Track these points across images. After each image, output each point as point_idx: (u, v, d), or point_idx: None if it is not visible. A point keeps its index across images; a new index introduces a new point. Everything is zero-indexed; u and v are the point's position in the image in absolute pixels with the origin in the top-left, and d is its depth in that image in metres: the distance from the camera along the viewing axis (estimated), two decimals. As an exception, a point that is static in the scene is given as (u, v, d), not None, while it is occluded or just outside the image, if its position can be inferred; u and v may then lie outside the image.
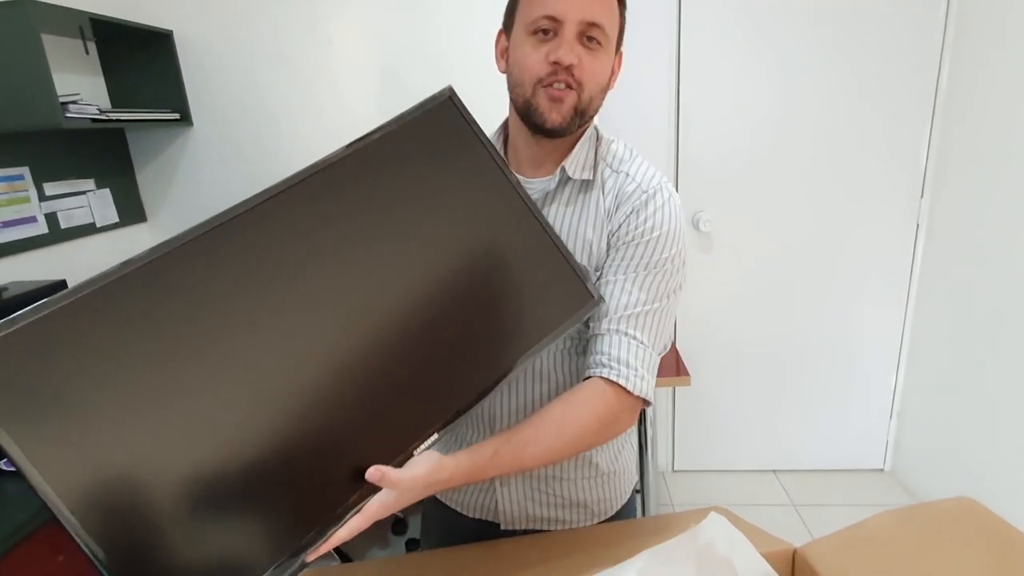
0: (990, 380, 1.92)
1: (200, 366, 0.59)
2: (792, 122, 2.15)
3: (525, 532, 0.90)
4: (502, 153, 0.84)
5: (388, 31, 1.97)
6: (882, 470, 2.48)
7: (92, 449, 0.54)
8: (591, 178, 0.81)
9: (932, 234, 2.18)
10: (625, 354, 0.75)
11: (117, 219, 2.01)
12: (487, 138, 0.78)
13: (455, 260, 0.72)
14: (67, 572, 1.14)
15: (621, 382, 0.74)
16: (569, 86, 0.74)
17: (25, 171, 1.67)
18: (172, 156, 2.11)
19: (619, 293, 0.77)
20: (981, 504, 0.69)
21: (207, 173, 2.11)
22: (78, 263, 1.80)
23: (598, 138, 0.85)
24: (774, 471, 2.52)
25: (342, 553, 1.87)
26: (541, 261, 0.76)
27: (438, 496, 0.97)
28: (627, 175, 0.81)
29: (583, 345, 0.83)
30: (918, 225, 2.21)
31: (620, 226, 0.78)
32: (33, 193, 1.69)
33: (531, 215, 0.77)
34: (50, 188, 1.74)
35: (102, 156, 1.98)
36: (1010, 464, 1.85)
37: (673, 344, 1.99)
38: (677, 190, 0.82)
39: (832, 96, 2.12)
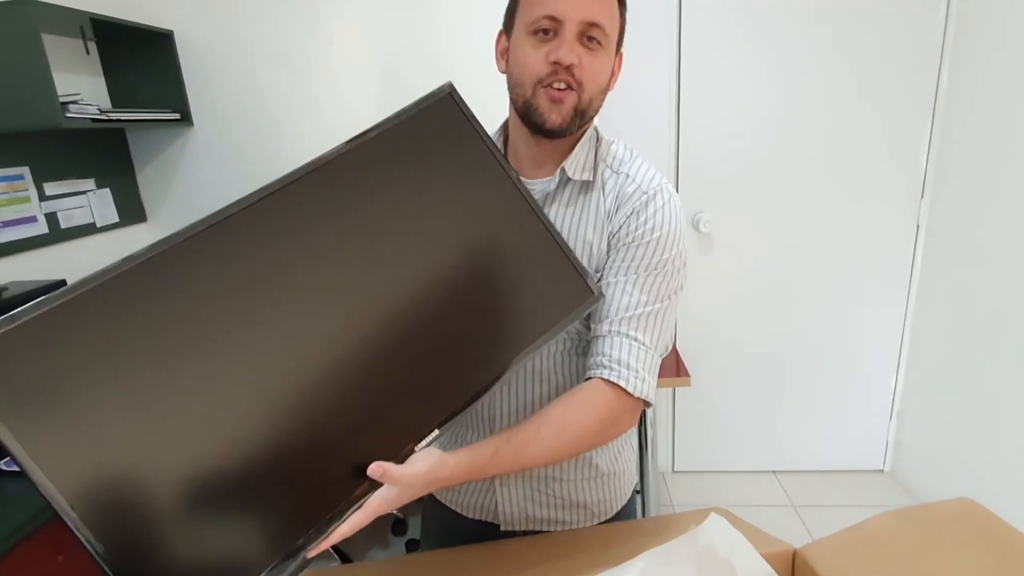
0: (990, 381, 1.92)
1: (200, 363, 0.59)
2: (792, 123, 2.15)
3: (525, 533, 0.90)
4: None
5: (388, 31, 1.98)
6: (882, 471, 2.48)
7: (92, 445, 0.54)
8: (591, 179, 0.81)
9: (932, 235, 2.18)
10: (626, 356, 0.75)
11: (117, 219, 2.01)
12: (487, 134, 0.78)
13: (455, 256, 0.72)
14: (67, 572, 1.14)
15: (622, 384, 0.74)
16: (569, 86, 0.74)
17: (25, 171, 1.67)
18: (172, 156, 2.11)
19: (620, 295, 0.77)
20: (981, 505, 0.69)
21: (207, 173, 2.11)
22: (78, 263, 1.80)
23: (598, 139, 0.85)
24: (774, 472, 2.52)
25: (342, 553, 1.87)
26: (541, 257, 0.76)
27: (438, 497, 0.97)
28: (627, 176, 0.81)
29: (583, 346, 0.83)
30: (918, 226, 2.21)
31: (620, 227, 0.78)
32: (33, 193, 1.69)
33: (531, 211, 0.77)
34: (50, 188, 1.74)
35: (102, 156, 1.98)
36: (1010, 465, 1.85)
37: (673, 345, 1.99)
38: (677, 191, 0.82)
39: (832, 97, 2.12)
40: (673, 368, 1.82)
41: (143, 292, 0.58)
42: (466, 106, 0.76)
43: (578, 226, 0.81)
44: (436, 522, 0.99)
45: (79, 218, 1.85)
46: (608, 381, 0.74)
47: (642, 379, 0.75)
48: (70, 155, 1.83)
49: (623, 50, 0.81)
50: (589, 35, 0.73)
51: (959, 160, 2.03)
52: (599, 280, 0.80)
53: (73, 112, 1.61)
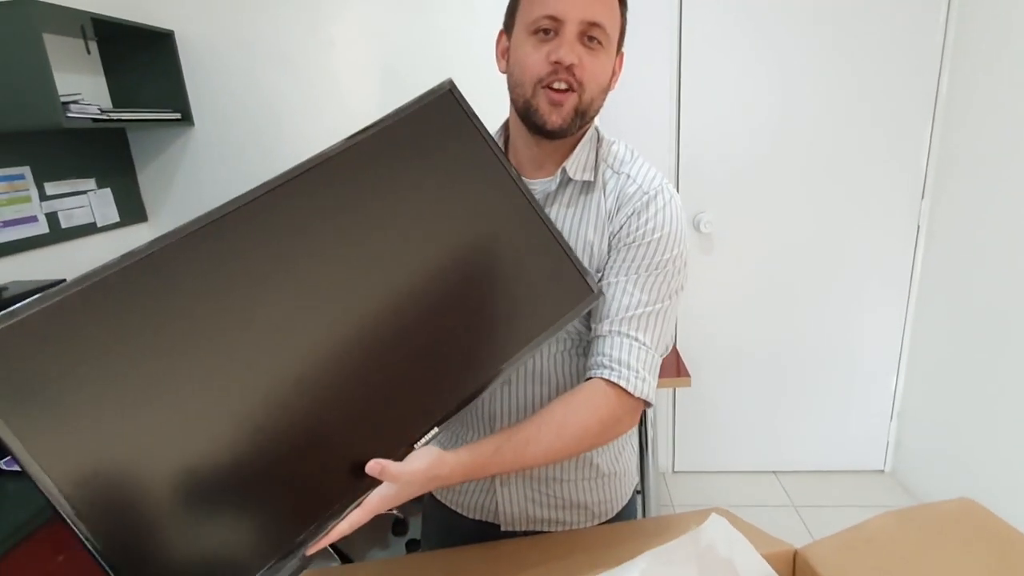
0: (990, 381, 1.92)
1: (198, 359, 0.59)
2: (793, 123, 2.15)
3: (525, 533, 0.90)
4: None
5: (389, 32, 1.98)
6: (882, 471, 2.48)
7: (91, 442, 0.54)
8: (592, 179, 0.81)
9: (933, 236, 2.18)
10: (626, 356, 0.75)
11: (118, 219, 2.01)
12: (487, 131, 0.77)
13: (454, 254, 0.72)
14: (67, 572, 1.14)
15: (622, 384, 0.74)
16: (570, 87, 0.74)
17: (26, 171, 1.67)
18: (173, 156, 2.11)
19: (620, 295, 0.77)
20: (982, 505, 0.69)
21: (208, 173, 2.12)
22: (79, 263, 1.80)
23: (599, 139, 0.85)
24: (775, 472, 2.52)
25: (342, 553, 1.87)
26: (541, 254, 0.76)
27: (438, 497, 0.97)
28: (628, 176, 0.81)
29: (584, 346, 0.83)
30: (919, 227, 2.21)
31: (621, 228, 0.78)
32: (34, 193, 1.69)
33: (531, 209, 0.77)
34: (51, 188, 1.75)
35: (103, 156, 1.98)
36: (1011, 465, 1.85)
37: (674, 345, 1.99)
38: (678, 191, 0.82)
39: (832, 97, 2.12)
40: (674, 368, 1.82)
41: (142, 289, 0.58)
42: (466, 103, 0.76)
43: (579, 226, 0.81)
44: (436, 522, 0.99)
45: (80, 218, 1.85)
46: (609, 381, 0.74)
47: (643, 379, 0.75)
48: (71, 155, 1.83)
49: (624, 50, 0.81)
50: (590, 35, 0.73)
51: (960, 161, 2.03)
52: (600, 280, 0.80)
53: (74, 112, 1.61)
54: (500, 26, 0.82)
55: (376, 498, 0.63)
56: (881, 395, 2.40)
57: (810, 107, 2.13)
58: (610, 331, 0.77)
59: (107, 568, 0.53)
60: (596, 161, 0.82)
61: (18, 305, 0.53)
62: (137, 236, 2.09)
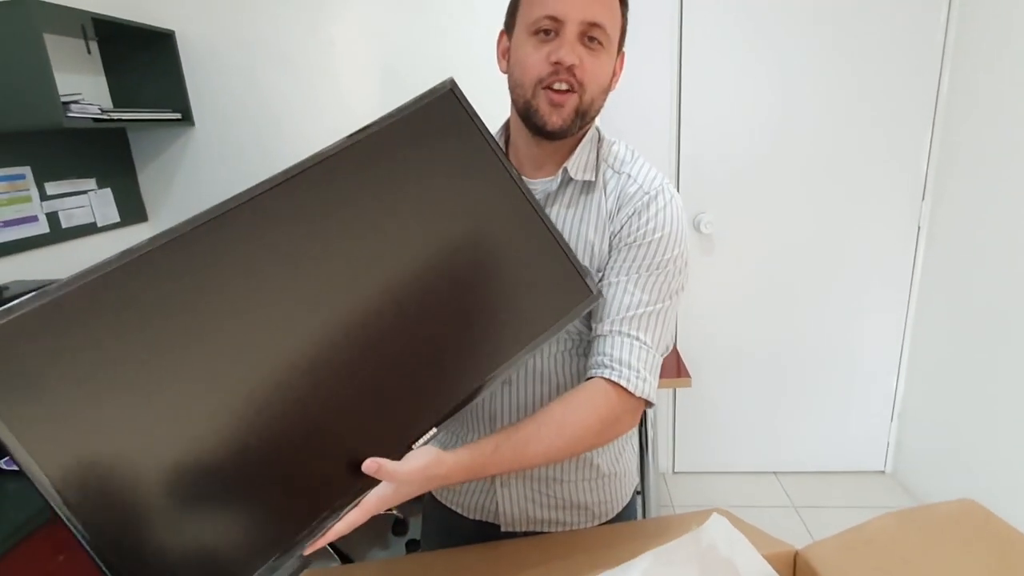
0: (991, 382, 1.92)
1: (196, 357, 0.59)
2: (793, 123, 2.15)
3: (526, 534, 0.90)
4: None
5: (390, 32, 1.98)
6: (883, 472, 2.48)
7: (88, 439, 0.54)
8: (593, 179, 0.81)
9: (933, 236, 2.18)
10: (627, 355, 0.75)
11: (118, 219, 2.02)
12: (488, 131, 0.77)
13: (454, 253, 0.72)
14: (67, 572, 1.14)
15: (623, 383, 0.74)
16: (571, 87, 0.74)
17: (27, 170, 1.67)
18: (173, 156, 2.11)
19: (621, 294, 0.77)
20: (982, 506, 0.69)
21: (208, 173, 2.12)
22: (79, 263, 1.78)
23: (600, 139, 0.85)
24: (775, 473, 2.52)
25: (342, 553, 1.87)
26: (541, 255, 0.76)
27: (438, 497, 0.97)
28: (629, 176, 0.81)
29: (584, 346, 0.83)
30: (919, 227, 2.21)
31: (622, 227, 0.78)
32: (34, 192, 1.69)
33: (531, 209, 0.77)
34: (51, 188, 1.75)
35: (103, 156, 1.98)
36: (1011, 466, 1.85)
37: (674, 345, 1.99)
38: (678, 191, 0.82)
39: (833, 97, 2.12)
40: (674, 369, 1.82)
41: (141, 285, 0.58)
42: (467, 102, 0.76)
43: (579, 226, 0.81)
44: (436, 522, 0.99)
45: (80, 218, 1.85)
46: (609, 381, 0.74)
47: (643, 379, 0.75)
48: (71, 155, 1.83)
49: (624, 49, 0.81)
50: (590, 35, 0.73)
51: (960, 161, 2.03)
52: (600, 280, 0.80)
53: (74, 112, 1.61)
54: (500, 26, 0.82)
55: (374, 498, 0.63)
56: (881, 396, 2.40)
57: (810, 107, 2.13)
58: (611, 331, 0.77)
59: (102, 565, 0.53)
60: (597, 161, 0.82)
61: (15, 302, 0.53)
62: (137, 236, 2.08)
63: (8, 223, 1.61)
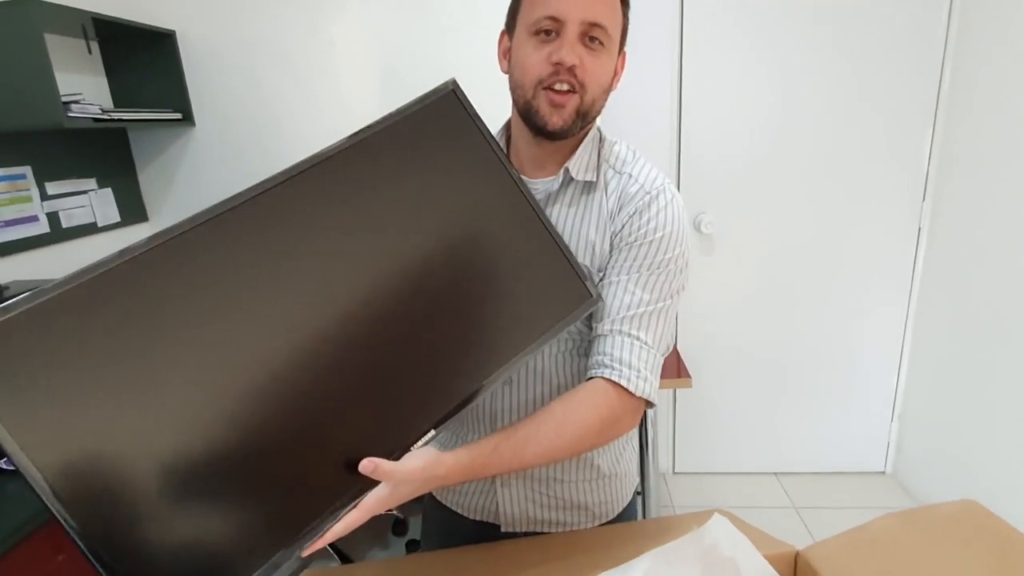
0: (991, 382, 1.92)
1: (194, 356, 0.59)
2: (793, 123, 2.15)
3: (526, 534, 0.90)
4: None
5: (390, 32, 1.98)
6: (883, 472, 2.48)
7: (85, 438, 0.54)
8: (594, 179, 0.81)
9: (934, 236, 2.18)
10: (627, 355, 0.75)
11: (119, 219, 2.02)
12: (489, 132, 0.77)
13: (454, 254, 0.72)
14: (67, 572, 1.14)
15: (623, 383, 0.73)
16: (571, 87, 0.74)
17: (27, 170, 1.67)
18: (174, 156, 2.12)
19: (622, 294, 0.77)
20: (983, 507, 0.69)
21: (209, 173, 2.12)
22: (79, 263, 1.79)
23: (601, 139, 0.85)
24: (775, 473, 2.52)
25: (342, 554, 1.87)
26: (540, 257, 0.76)
27: (438, 497, 0.97)
28: (630, 176, 0.81)
29: (584, 346, 0.83)
30: (920, 227, 2.21)
31: (623, 227, 0.78)
32: (35, 192, 1.69)
33: (532, 211, 0.77)
34: (52, 187, 1.75)
35: (104, 156, 1.98)
36: (1011, 466, 1.85)
37: (674, 346, 1.99)
38: (679, 191, 0.82)
39: (833, 97, 2.12)
40: (674, 369, 1.82)
41: (139, 284, 0.58)
42: (469, 103, 0.76)
43: (580, 226, 0.81)
44: (437, 523, 0.99)
45: (80, 218, 1.85)
46: (610, 380, 0.74)
47: (644, 378, 0.75)
48: (72, 155, 1.83)
49: (626, 49, 0.80)
50: (591, 35, 0.73)
51: (961, 162, 2.03)
52: (601, 279, 0.80)
53: (75, 112, 1.61)
54: (501, 26, 0.82)
55: (372, 499, 0.62)
56: (882, 396, 2.39)
57: (810, 107, 2.13)
58: (611, 330, 0.77)
59: (96, 563, 0.53)
60: (598, 161, 0.82)
61: (13, 300, 0.53)
62: (138, 236, 2.06)
63: (8, 223, 1.61)
